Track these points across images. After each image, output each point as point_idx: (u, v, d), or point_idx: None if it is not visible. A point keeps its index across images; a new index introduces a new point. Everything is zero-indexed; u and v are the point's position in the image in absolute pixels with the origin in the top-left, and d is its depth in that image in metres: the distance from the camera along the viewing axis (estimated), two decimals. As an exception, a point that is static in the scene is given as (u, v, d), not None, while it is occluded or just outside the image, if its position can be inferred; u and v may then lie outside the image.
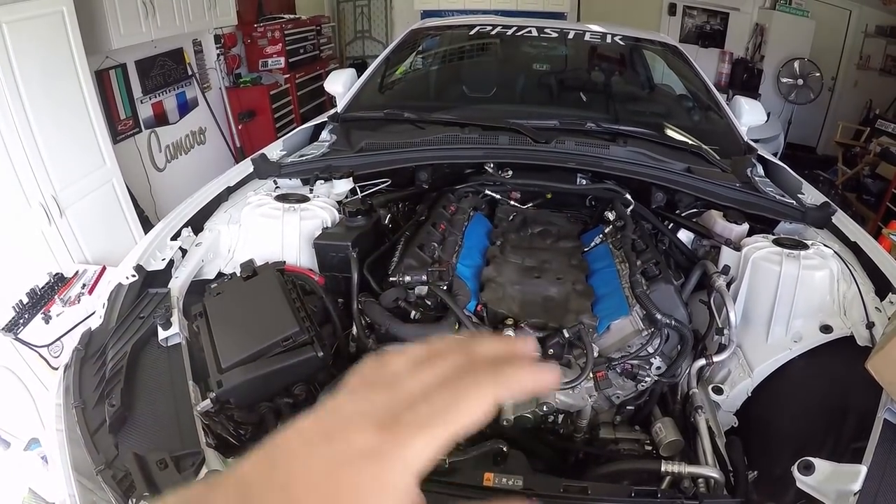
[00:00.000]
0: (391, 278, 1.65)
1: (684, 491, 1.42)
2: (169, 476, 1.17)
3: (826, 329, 1.62)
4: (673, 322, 1.61)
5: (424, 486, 1.14)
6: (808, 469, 1.20)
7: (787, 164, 2.60)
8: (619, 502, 1.22)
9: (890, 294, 1.66)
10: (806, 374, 1.61)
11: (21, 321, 2.90)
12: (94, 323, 1.69)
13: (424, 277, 1.60)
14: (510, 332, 1.59)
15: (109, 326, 1.64)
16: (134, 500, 1.13)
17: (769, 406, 1.62)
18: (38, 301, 3.00)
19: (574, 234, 2.21)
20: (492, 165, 2.31)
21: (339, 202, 2.07)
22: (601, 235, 2.08)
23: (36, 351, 2.85)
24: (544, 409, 1.55)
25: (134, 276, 1.77)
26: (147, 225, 3.96)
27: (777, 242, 1.83)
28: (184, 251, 1.94)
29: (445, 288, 1.61)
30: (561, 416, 1.68)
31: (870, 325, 1.55)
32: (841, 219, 2.12)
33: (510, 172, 2.32)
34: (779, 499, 1.27)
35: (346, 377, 0.46)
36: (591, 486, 1.25)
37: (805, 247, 1.80)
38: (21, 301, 2.95)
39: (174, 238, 1.95)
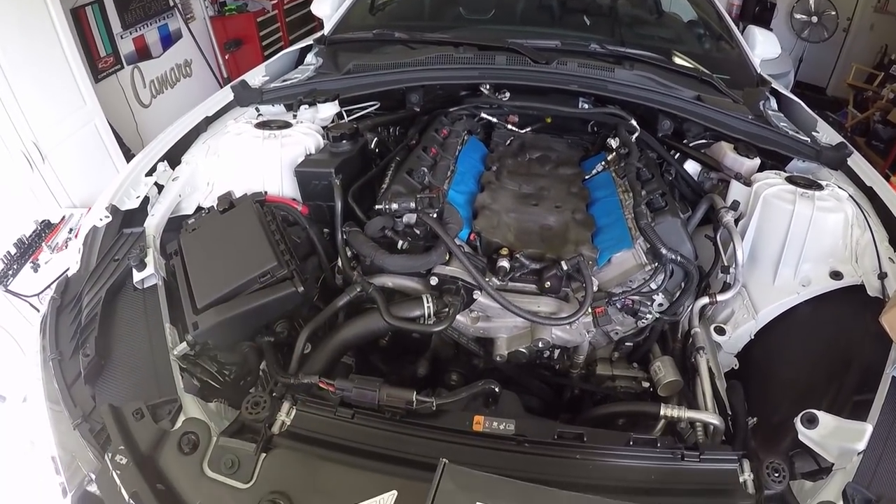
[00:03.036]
0: (377, 206, 1.53)
1: (681, 433, 1.38)
2: (145, 426, 1.13)
3: (836, 275, 1.56)
4: (679, 258, 1.52)
5: (409, 430, 1.05)
6: (811, 423, 1.15)
7: (795, 103, 2.45)
8: (617, 451, 1.14)
9: None
10: (812, 321, 1.55)
11: (10, 272, 2.82)
12: (72, 269, 1.60)
13: (413, 205, 1.48)
14: (504, 263, 1.48)
15: (87, 272, 1.55)
16: (110, 455, 1.08)
17: (772, 350, 1.57)
18: (26, 250, 2.91)
19: (574, 161, 2.09)
20: (488, 87, 2.16)
21: (325, 128, 1.94)
22: (603, 163, 1.97)
23: (27, 301, 2.78)
24: (539, 345, 1.46)
25: (107, 216, 1.67)
26: (135, 163, 3.82)
27: (790, 180, 1.72)
28: (160, 187, 1.83)
29: (435, 216, 1.49)
30: (557, 352, 1.61)
31: (882, 276, 1.47)
32: (857, 161, 2.00)
33: (507, 95, 2.18)
34: (775, 446, 1.23)
35: None
36: (587, 432, 1.16)
37: (819, 187, 1.69)
38: (9, 252, 2.87)
39: (149, 174, 1.84)
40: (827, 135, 2.17)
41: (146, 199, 1.77)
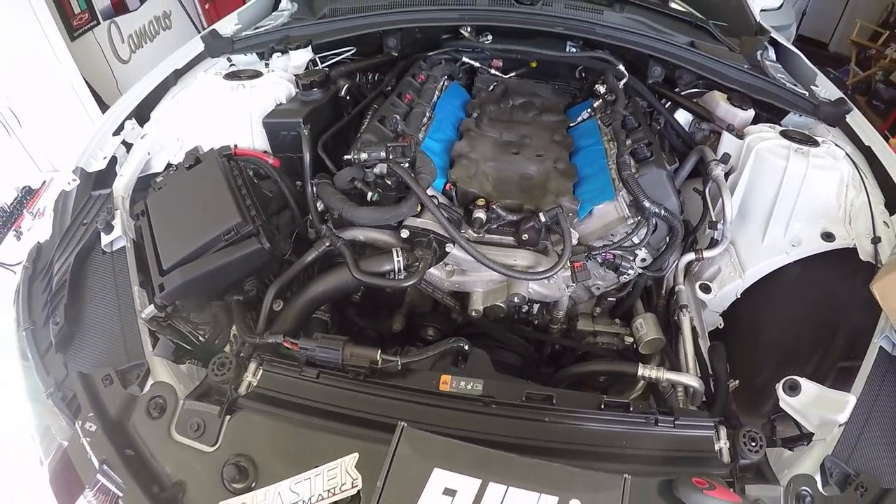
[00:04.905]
0: (346, 157, 1.45)
1: (662, 393, 1.36)
2: (114, 392, 1.13)
3: (828, 237, 1.51)
4: (662, 212, 1.46)
5: (374, 390, 1.00)
6: (793, 389, 1.12)
7: (796, 57, 2.35)
8: (587, 414, 1.10)
9: None
10: (800, 283, 1.53)
11: (-8, 243, 2.79)
12: (43, 236, 1.57)
13: (383, 154, 1.40)
14: (480, 215, 1.42)
15: (58, 238, 1.53)
16: (80, 422, 1.08)
17: (758, 311, 1.55)
18: (9, 219, 2.85)
19: (559, 108, 2.01)
20: (469, 29, 2.06)
21: (296, 76, 1.85)
22: (589, 110, 1.89)
23: (11, 270, 2.76)
24: (515, 300, 1.42)
25: (75, 180, 1.63)
26: (116, 122, 3.74)
27: (785, 135, 1.66)
28: (128, 146, 1.77)
29: (407, 165, 1.42)
30: (536, 307, 1.57)
31: (875, 240, 1.42)
32: (856, 119, 1.90)
33: (490, 37, 2.08)
34: (757, 409, 1.23)
35: None
36: (557, 394, 1.13)
37: (815, 144, 1.63)
38: (-10, 223, 2.83)
39: (117, 132, 1.77)
40: (826, 89, 2.11)
41: (114, 160, 1.71)
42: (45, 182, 2.99)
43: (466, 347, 1.26)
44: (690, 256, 1.59)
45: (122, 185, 1.62)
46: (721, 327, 1.60)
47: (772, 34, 2.45)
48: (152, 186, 1.58)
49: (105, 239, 1.42)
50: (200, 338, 1.37)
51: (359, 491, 0.94)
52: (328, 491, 0.94)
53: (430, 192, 1.45)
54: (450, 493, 0.84)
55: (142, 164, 1.72)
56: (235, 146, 1.70)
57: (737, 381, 1.38)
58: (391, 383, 1.13)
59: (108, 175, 1.67)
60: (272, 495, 0.96)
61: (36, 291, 1.40)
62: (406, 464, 0.86)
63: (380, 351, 1.15)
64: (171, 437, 1.07)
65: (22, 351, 1.31)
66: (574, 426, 1.08)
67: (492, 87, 2.06)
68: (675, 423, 1.10)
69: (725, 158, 1.68)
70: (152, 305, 1.29)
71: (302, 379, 1.12)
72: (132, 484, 1.01)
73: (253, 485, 1.00)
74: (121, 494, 1.01)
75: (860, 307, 1.28)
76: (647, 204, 1.43)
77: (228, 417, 1.06)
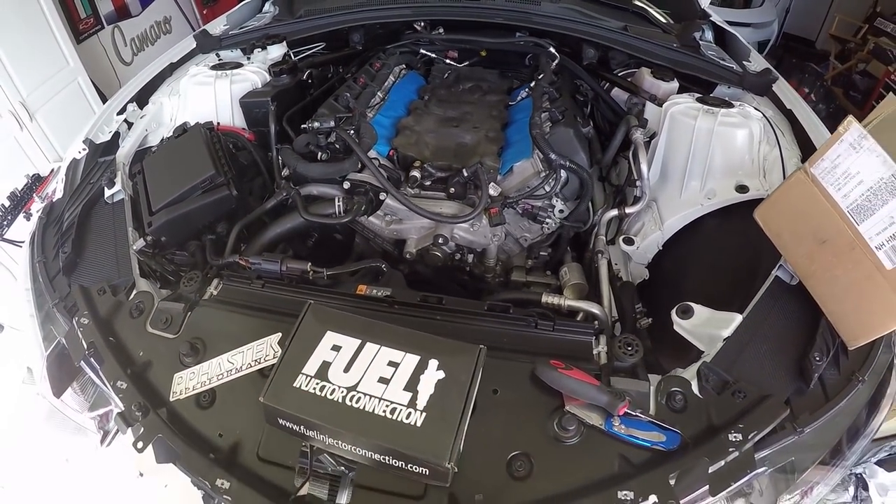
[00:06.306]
0: (302, 125, 1.75)
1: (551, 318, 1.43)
2: (106, 299, 1.42)
3: (742, 189, 1.60)
4: (568, 163, 1.64)
5: (304, 295, 1.29)
6: (685, 313, 1.23)
7: (780, 56, 2.46)
8: (473, 314, 1.31)
9: None
10: (719, 233, 1.62)
11: (5, 223, 3.06)
12: (56, 195, 1.88)
13: (332, 123, 1.70)
14: (415, 173, 1.69)
15: (68, 196, 1.83)
16: (77, 319, 1.37)
17: (680, 261, 1.65)
18: (19, 202, 3.11)
19: (503, 90, 2.25)
20: (422, 24, 2.34)
21: (270, 66, 2.15)
22: (527, 89, 2.13)
23: (20, 246, 3.03)
24: (439, 241, 1.66)
25: (84, 149, 1.94)
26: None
27: (701, 100, 1.79)
28: (129, 124, 2.08)
29: (353, 132, 1.71)
30: (471, 257, 1.79)
31: None
32: (782, 87, 2.05)
33: (441, 31, 2.36)
34: (683, 356, 1.25)
35: None
36: (447, 299, 1.35)
37: (730, 106, 1.76)
38: (3, 205, 3.11)
39: (120, 113, 2.09)
40: (758, 64, 2.22)
41: (117, 134, 2.03)
42: (52, 170, 3.30)
43: (384, 267, 1.53)
44: (613, 213, 1.75)
45: (123, 153, 1.92)
46: (647, 279, 1.70)
47: (712, 18, 2.62)
48: (148, 154, 1.89)
49: (108, 192, 1.73)
50: (181, 273, 1.65)
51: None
52: (255, 360, 1.23)
53: (372, 154, 1.73)
54: (336, 348, 1.10)
55: (140, 138, 2.03)
56: (218, 123, 2.00)
57: (650, 319, 1.47)
58: (316, 288, 1.42)
59: (111, 146, 1.98)
60: (214, 366, 1.25)
61: (48, 235, 1.70)
62: (308, 329, 1.13)
63: (310, 264, 1.45)
64: (146, 330, 1.35)
65: (33, 276, 1.61)
66: (461, 324, 1.29)
67: (446, 74, 2.33)
68: (555, 327, 1.26)
69: (643, 123, 1.85)
70: (142, 240, 1.57)
71: (251, 289, 1.41)
72: (111, 360, 1.28)
73: (202, 361, 1.27)
74: (100, 382, 1.28)
75: (775, 251, 1.33)
76: (552, 156, 1.63)
77: (190, 313, 1.36)
